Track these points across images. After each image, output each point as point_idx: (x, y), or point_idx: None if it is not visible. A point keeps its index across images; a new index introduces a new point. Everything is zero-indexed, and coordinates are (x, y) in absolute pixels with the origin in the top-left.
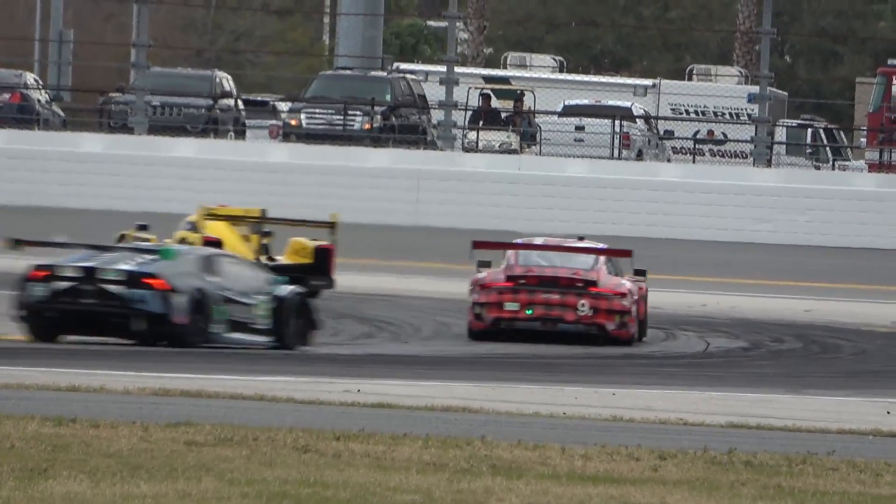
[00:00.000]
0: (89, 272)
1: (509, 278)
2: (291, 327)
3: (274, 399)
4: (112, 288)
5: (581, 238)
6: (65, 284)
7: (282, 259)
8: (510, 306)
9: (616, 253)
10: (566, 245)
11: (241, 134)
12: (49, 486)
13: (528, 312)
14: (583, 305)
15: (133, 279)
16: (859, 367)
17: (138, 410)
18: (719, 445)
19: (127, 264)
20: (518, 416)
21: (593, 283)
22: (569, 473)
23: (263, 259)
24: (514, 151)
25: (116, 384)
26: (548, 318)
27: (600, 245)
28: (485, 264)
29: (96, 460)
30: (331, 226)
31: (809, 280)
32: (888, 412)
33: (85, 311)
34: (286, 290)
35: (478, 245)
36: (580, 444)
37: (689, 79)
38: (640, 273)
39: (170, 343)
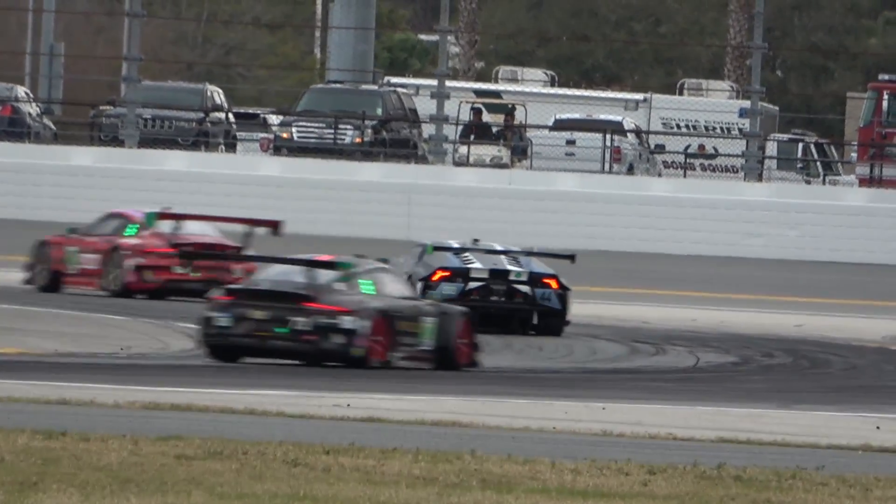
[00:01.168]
0: (498, 273)
1: (173, 245)
2: None
3: (264, 413)
4: (521, 287)
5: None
6: (475, 284)
7: None
8: (179, 270)
9: (263, 223)
10: (207, 215)
11: (231, 147)
12: (39, 499)
13: (195, 275)
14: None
15: (535, 279)
16: (849, 383)
17: (128, 424)
18: (709, 460)
19: (523, 266)
20: (508, 431)
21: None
22: (559, 488)
23: None
24: (505, 165)
25: (106, 397)
26: (211, 279)
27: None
28: (74, 230)
29: (86, 474)
30: None
31: (800, 295)
32: (878, 427)
33: (493, 307)
34: None
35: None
36: (570, 458)
37: (681, 93)
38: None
39: (549, 333)
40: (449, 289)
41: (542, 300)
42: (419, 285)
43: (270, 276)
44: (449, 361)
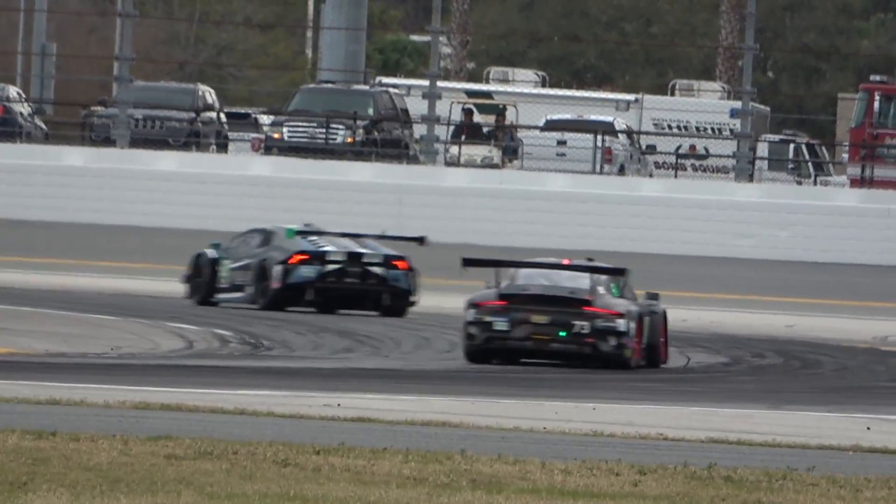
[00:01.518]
0: (354, 256)
1: None
2: None
3: (254, 413)
4: (375, 269)
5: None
6: (332, 267)
7: None
8: None
9: None
10: None
11: (223, 147)
12: (29, 499)
13: None
14: None
15: (388, 261)
16: (840, 383)
17: (118, 424)
18: (699, 460)
19: (374, 249)
20: (498, 431)
21: None
22: (549, 488)
23: None
24: (496, 166)
25: (97, 397)
26: None
27: None
28: None
29: (76, 474)
30: None
31: (791, 295)
32: (868, 428)
33: (348, 288)
34: None
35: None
36: (560, 458)
37: (672, 94)
38: None
39: (397, 313)
40: (307, 271)
41: (394, 281)
42: (278, 269)
43: (534, 280)
44: (654, 358)
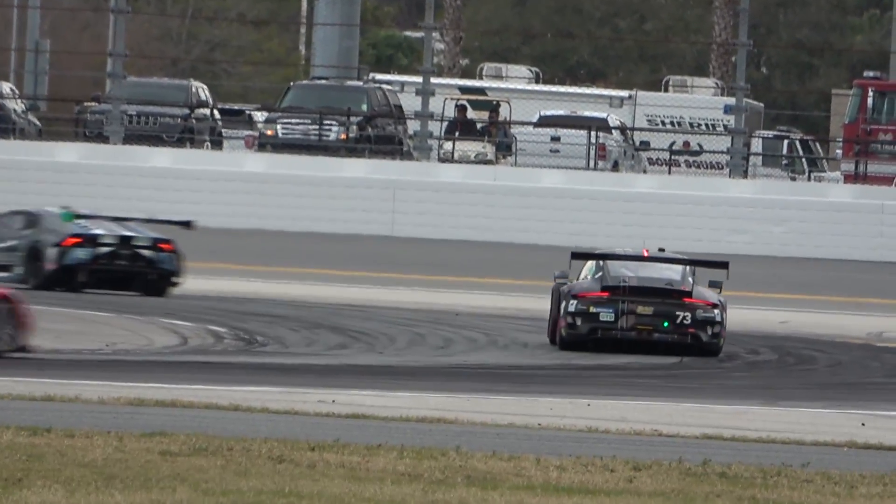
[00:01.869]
0: (124, 239)
1: None
2: None
3: (249, 409)
4: (144, 252)
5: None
6: (104, 249)
7: None
8: None
9: None
10: None
11: (217, 144)
12: (24, 495)
13: None
14: None
15: (155, 244)
16: (834, 379)
17: (113, 420)
18: (694, 457)
19: (144, 233)
20: (493, 427)
21: None
22: (543, 484)
23: None
24: (489, 162)
25: (91, 394)
26: None
27: None
28: None
29: (71, 470)
30: None
31: (785, 291)
32: (863, 424)
33: (119, 270)
34: None
35: None
36: (555, 454)
37: (666, 90)
38: None
39: (161, 293)
40: (81, 254)
41: (160, 263)
42: (52, 251)
43: (621, 271)
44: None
